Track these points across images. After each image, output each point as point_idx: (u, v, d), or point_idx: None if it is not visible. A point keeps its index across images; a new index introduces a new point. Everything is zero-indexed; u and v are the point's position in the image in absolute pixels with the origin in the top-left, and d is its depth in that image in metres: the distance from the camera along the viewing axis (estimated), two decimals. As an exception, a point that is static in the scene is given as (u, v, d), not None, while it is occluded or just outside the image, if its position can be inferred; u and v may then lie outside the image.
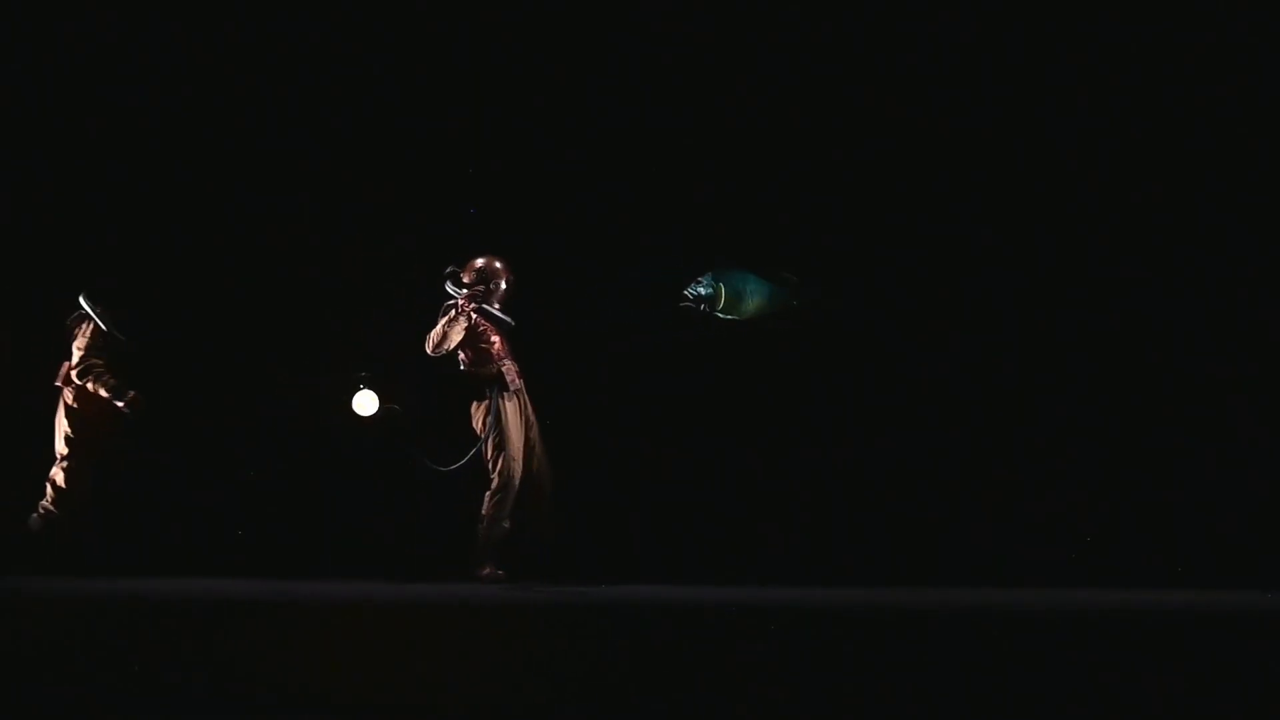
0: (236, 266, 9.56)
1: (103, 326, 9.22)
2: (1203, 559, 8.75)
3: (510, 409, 8.92)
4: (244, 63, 9.48)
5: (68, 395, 9.36)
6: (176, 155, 9.51)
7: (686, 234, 9.31)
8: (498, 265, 8.95)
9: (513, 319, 8.89)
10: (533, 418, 9.03)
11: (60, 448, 9.35)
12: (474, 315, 8.82)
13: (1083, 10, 9.03)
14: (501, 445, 8.90)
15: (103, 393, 9.22)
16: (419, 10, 9.43)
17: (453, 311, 8.79)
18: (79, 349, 9.32)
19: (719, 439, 9.50)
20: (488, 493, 8.90)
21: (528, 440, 9.00)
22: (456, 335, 8.83)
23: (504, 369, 8.91)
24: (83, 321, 9.32)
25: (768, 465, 9.45)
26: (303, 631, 6.94)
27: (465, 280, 8.85)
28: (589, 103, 9.38)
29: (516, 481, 8.91)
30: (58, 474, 9.33)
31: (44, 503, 9.29)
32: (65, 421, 9.36)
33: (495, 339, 8.92)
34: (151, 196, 9.49)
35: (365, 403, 9.43)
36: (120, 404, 9.21)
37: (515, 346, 8.97)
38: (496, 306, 8.89)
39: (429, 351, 8.84)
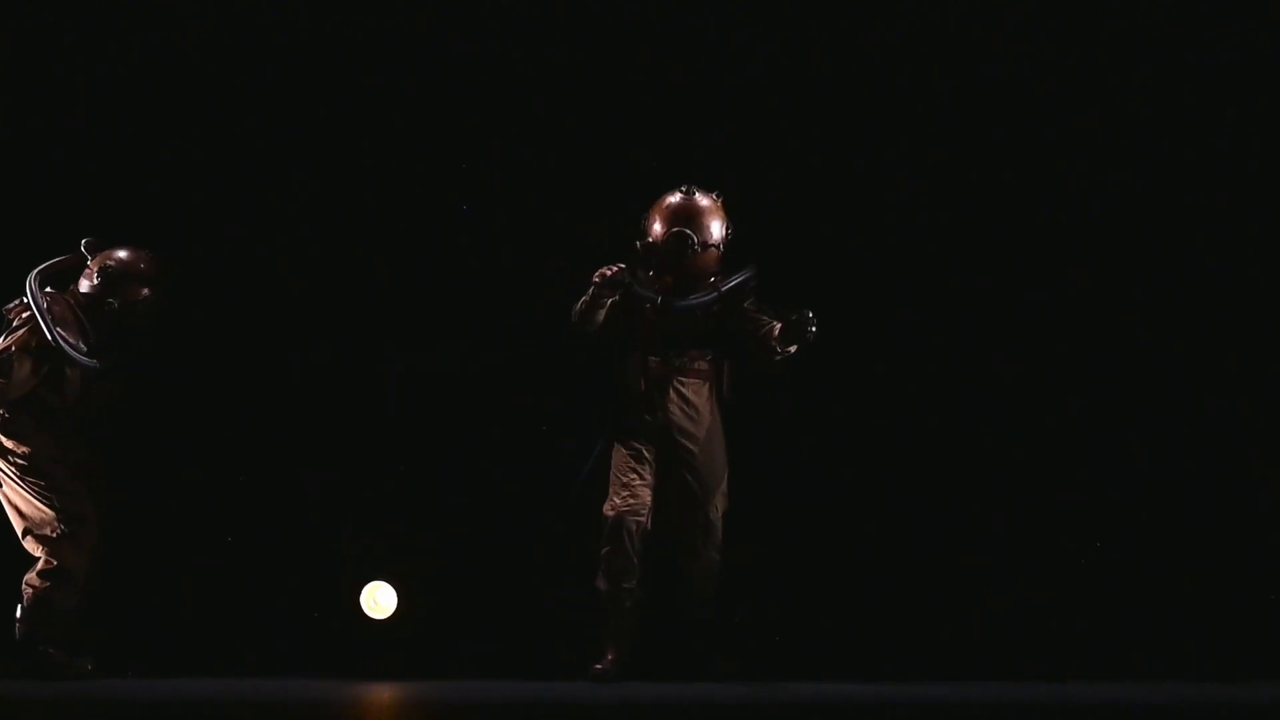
0: (234, 268, 9.46)
1: (47, 333, 6.28)
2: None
3: (633, 427, 6.66)
4: (244, 62, 9.45)
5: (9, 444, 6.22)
6: (175, 154, 9.47)
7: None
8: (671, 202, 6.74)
9: (672, 295, 6.69)
10: (686, 453, 6.70)
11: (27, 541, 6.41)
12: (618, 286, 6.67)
13: (1083, 10, 8.93)
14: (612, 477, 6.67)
15: None
16: (418, 10, 9.40)
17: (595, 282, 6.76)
18: None
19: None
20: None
21: (676, 479, 6.74)
22: (603, 311, 6.90)
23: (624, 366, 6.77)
24: (23, 313, 6.48)
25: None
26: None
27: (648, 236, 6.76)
28: (589, 102, 9.32)
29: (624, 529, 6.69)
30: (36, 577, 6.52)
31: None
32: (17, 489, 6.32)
33: (643, 320, 6.79)
34: (150, 196, 9.44)
35: (381, 600, 7.23)
36: None
37: (680, 335, 6.80)
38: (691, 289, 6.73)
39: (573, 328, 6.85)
